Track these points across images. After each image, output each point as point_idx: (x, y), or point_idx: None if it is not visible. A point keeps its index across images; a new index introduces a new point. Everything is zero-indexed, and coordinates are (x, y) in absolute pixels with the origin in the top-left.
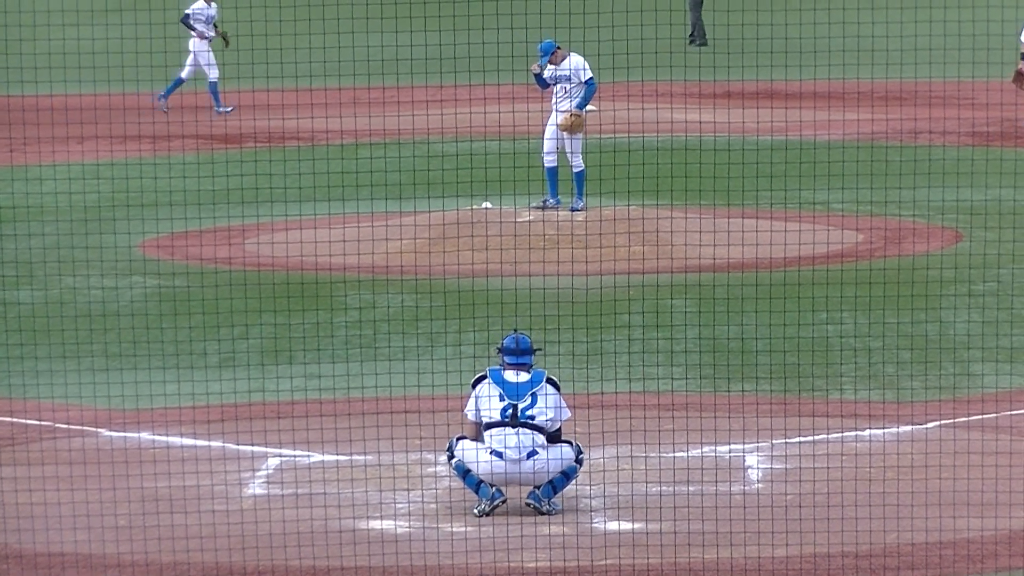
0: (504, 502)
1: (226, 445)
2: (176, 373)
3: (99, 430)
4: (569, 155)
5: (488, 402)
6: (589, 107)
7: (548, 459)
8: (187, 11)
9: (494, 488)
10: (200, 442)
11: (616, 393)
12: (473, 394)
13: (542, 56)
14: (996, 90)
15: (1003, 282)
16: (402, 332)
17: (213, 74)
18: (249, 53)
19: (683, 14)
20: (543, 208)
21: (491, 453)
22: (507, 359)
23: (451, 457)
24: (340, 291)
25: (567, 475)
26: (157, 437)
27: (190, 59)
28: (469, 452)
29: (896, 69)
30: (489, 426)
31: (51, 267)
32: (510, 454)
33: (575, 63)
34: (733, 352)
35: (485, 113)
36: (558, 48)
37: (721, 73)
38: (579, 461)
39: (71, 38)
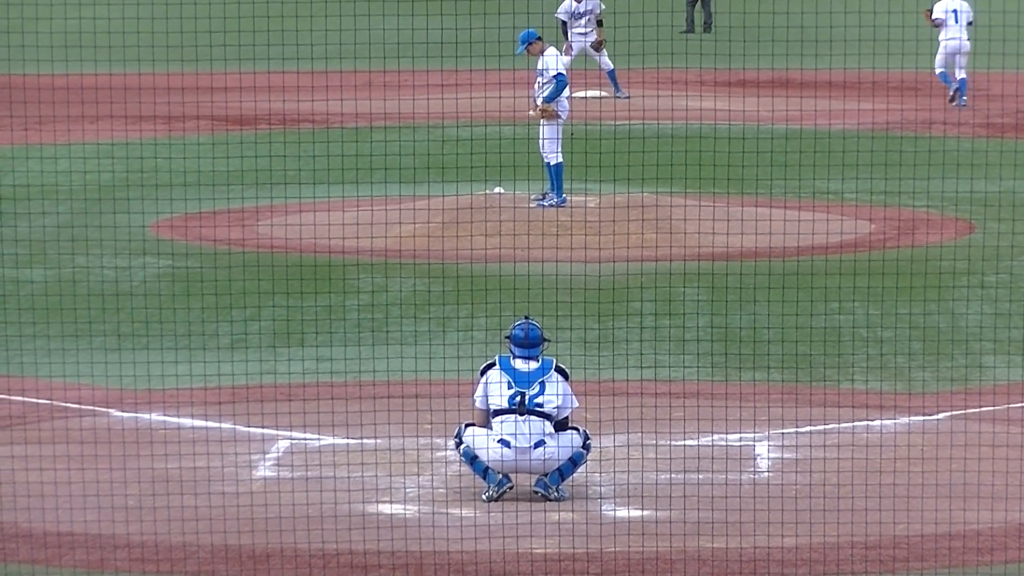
0: (511, 488)
1: (236, 427)
2: (187, 354)
3: (109, 410)
4: (546, 142)
5: (496, 389)
6: (602, 93)
7: (556, 447)
8: (560, 17)
9: (501, 474)
10: (210, 424)
11: (627, 381)
12: (481, 381)
13: (519, 45)
14: (1011, 81)
15: (1015, 274)
16: (413, 316)
17: (584, 59)
18: (264, 35)
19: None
20: (542, 202)
21: (499, 441)
22: (516, 350)
23: (459, 443)
24: (351, 274)
25: (575, 461)
26: (167, 418)
27: (602, 57)
28: (478, 439)
29: (911, 59)
30: (497, 413)
31: (63, 246)
32: (518, 442)
33: (546, 62)
34: (743, 341)
35: (500, 98)
36: (539, 39)
37: (735, 61)
38: (586, 447)
39: (86, 17)
